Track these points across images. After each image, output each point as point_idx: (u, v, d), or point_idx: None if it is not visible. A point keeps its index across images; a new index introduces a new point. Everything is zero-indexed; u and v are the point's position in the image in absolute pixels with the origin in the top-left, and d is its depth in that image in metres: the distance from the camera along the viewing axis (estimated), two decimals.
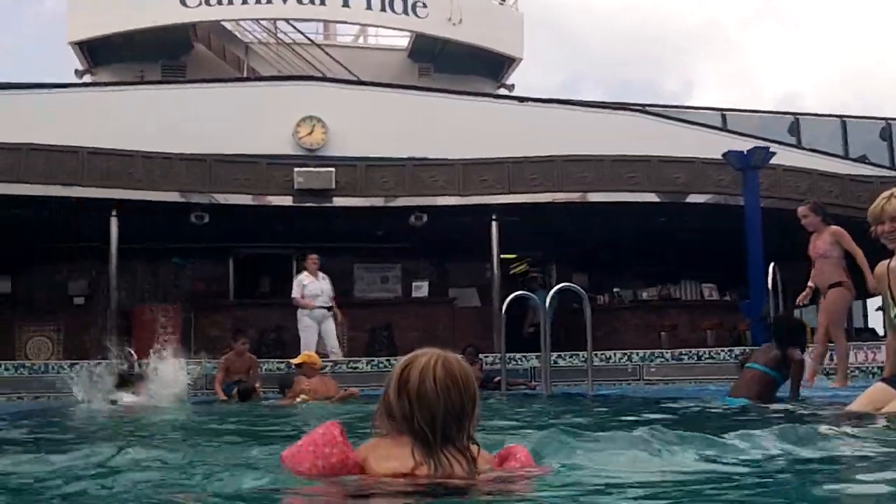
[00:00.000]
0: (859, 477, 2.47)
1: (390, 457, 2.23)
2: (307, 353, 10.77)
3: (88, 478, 2.55)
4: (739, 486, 2.32)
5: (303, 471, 2.26)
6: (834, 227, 8.65)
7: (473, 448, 2.30)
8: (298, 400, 9.38)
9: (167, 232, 15.35)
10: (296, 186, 14.15)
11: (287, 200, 14.28)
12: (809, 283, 8.81)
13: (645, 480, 2.41)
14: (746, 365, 7.35)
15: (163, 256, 16.67)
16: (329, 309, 12.86)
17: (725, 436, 3.14)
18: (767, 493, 2.24)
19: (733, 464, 2.72)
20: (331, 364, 11.48)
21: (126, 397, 9.30)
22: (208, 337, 14.91)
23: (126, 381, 9.90)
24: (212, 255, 16.56)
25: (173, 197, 13.89)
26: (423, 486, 2.14)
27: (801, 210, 8.91)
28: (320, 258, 13.17)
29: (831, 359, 9.85)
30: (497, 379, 10.60)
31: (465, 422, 2.27)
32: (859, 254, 8.35)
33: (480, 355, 11.61)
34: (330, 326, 12.82)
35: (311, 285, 12.84)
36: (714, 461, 2.74)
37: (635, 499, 2.18)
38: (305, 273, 13.00)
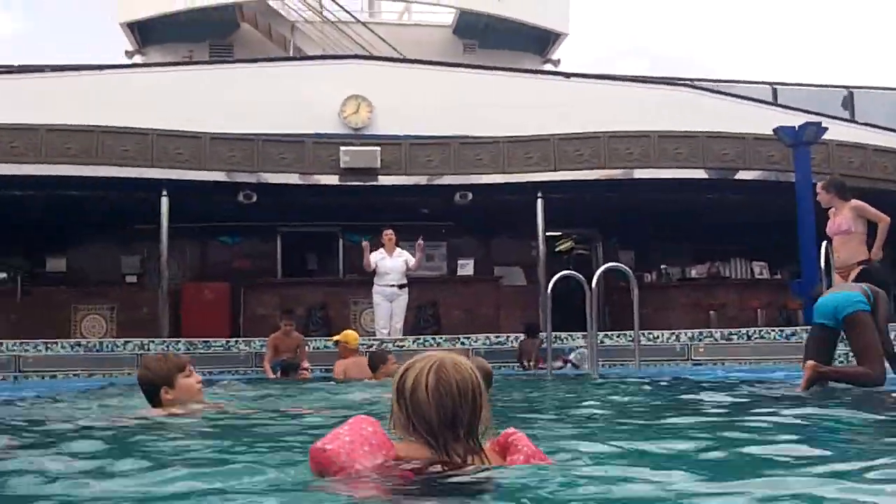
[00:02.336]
0: None
1: (412, 459, 2.25)
2: (346, 331, 10.80)
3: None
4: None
5: (345, 465, 2.20)
6: (855, 202, 8.23)
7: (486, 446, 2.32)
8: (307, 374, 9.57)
9: (216, 211, 15.55)
10: (342, 165, 14.21)
11: (333, 179, 14.34)
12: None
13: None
14: None
15: (211, 235, 16.90)
16: (401, 287, 12.76)
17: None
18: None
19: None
20: (377, 343, 11.55)
21: None
22: (256, 315, 15.11)
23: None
24: (259, 233, 16.73)
25: (220, 176, 14.03)
26: (442, 484, 2.14)
27: (817, 187, 8.58)
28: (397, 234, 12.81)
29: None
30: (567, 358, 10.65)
31: (461, 428, 2.26)
32: (884, 220, 8.00)
33: (540, 334, 11.51)
34: (399, 306, 12.72)
35: (383, 262, 12.71)
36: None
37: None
38: (381, 249, 12.79)
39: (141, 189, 13.83)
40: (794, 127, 13.49)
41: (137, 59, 21.49)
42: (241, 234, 16.89)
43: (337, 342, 10.46)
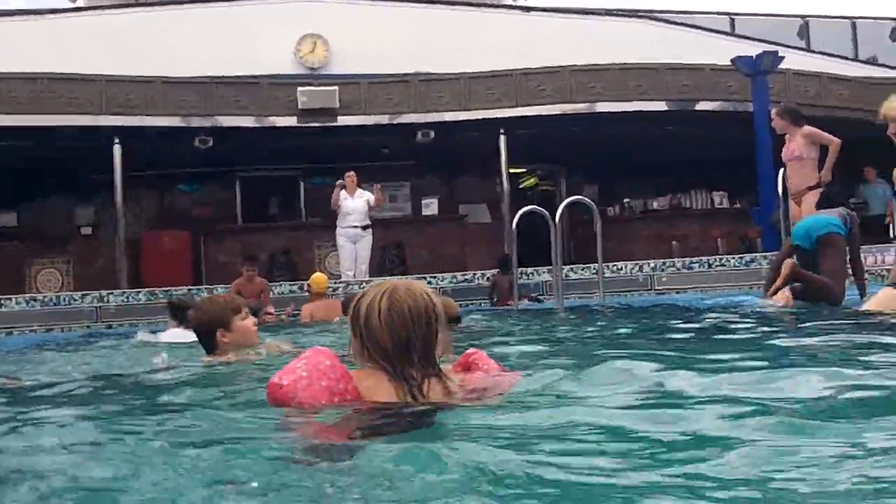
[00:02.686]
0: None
1: (372, 388, 2.25)
2: (314, 274, 10.71)
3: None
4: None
5: (302, 400, 2.20)
6: (807, 128, 8.24)
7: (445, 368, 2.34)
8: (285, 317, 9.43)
9: (172, 158, 15.22)
10: (299, 106, 13.97)
11: (291, 121, 14.10)
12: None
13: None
14: None
15: (169, 183, 16.59)
16: (364, 228, 12.64)
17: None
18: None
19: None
20: (343, 285, 11.47)
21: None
22: (218, 262, 14.93)
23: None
24: (218, 179, 16.46)
25: (175, 122, 13.72)
26: (411, 412, 2.14)
27: (772, 113, 8.61)
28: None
29: None
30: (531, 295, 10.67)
31: (414, 353, 2.25)
32: (835, 143, 8.04)
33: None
34: (363, 247, 12.62)
35: (346, 203, 12.54)
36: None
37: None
38: (344, 190, 12.72)
39: (92, 138, 13.48)
40: (752, 57, 13.53)
41: (81, 2, 20.79)
42: (200, 181, 16.60)
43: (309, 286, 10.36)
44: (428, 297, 2.32)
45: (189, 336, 5.21)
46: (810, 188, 8.08)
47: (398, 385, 2.23)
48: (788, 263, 6.22)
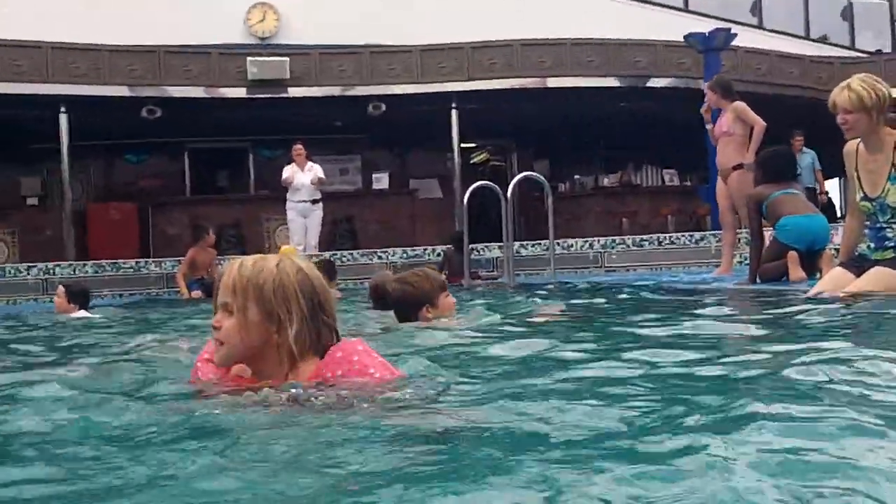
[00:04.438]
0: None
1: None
2: (286, 247, 10.67)
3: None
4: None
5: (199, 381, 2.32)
6: (737, 103, 8.06)
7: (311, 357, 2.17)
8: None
9: (119, 128, 14.94)
10: (249, 77, 13.80)
11: (241, 92, 13.94)
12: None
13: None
14: None
15: (116, 153, 16.30)
16: (314, 202, 12.55)
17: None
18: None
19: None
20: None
21: None
22: (166, 235, 14.74)
23: None
24: (166, 150, 16.22)
25: (122, 91, 13.47)
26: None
27: (705, 87, 8.47)
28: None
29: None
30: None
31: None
32: (759, 125, 7.85)
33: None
34: (313, 221, 12.54)
35: (296, 177, 12.41)
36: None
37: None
38: (293, 164, 12.51)
39: (37, 106, 13.22)
40: (705, 33, 13.60)
41: None
42: (148, 152, 16.34)
43: None
44: (282, 270, 2.17)
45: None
46: (735, 168, 7.99)
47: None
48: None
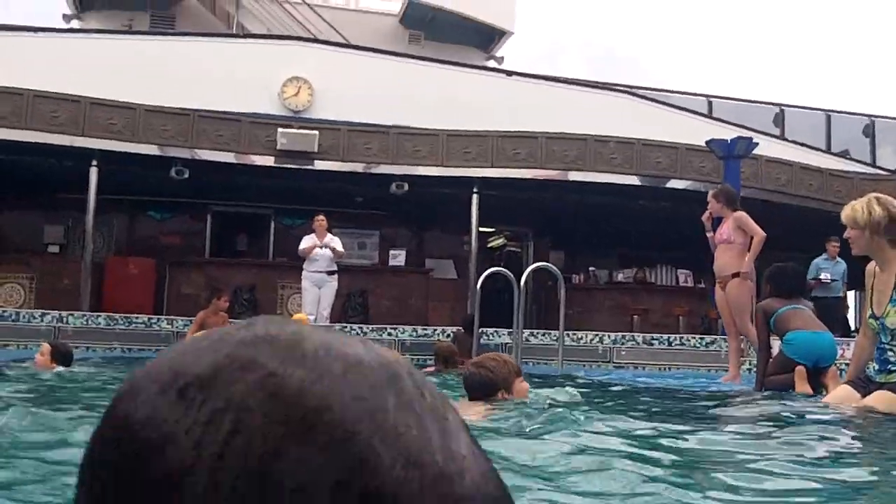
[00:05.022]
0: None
1: None
2: (298, 315, 10.75)
3: None
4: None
5: None
6: (738, 213, 8.20)
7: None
8: None
9: (146, 185, 15.24)
10: (278, 147, 14.08)
11: (269, 160, 14.19)
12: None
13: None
14: None
15: (140, 209, 16.57)
16: (330, 274, 12.71)
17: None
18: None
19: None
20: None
21: None
22: (181, 293, 14.87)
23: None
24: (189, 210, 16.46)
25: (153, 150, 13.77)
26: None
27: (709, 195, 8.61)
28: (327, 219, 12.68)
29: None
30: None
31: None
32: (759, 235, 7.99)
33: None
34: (327, 292, 12.68)
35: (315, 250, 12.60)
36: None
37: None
38: (312, 235, 12.70)
39: (70, 158, 13.49)
40: (727, 140, 13.80)
41: (75, 23, 20.90)
42: (171, 210, 16.60)
43: None
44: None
45: None
46: (733, 275, 8.12)
47: None
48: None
